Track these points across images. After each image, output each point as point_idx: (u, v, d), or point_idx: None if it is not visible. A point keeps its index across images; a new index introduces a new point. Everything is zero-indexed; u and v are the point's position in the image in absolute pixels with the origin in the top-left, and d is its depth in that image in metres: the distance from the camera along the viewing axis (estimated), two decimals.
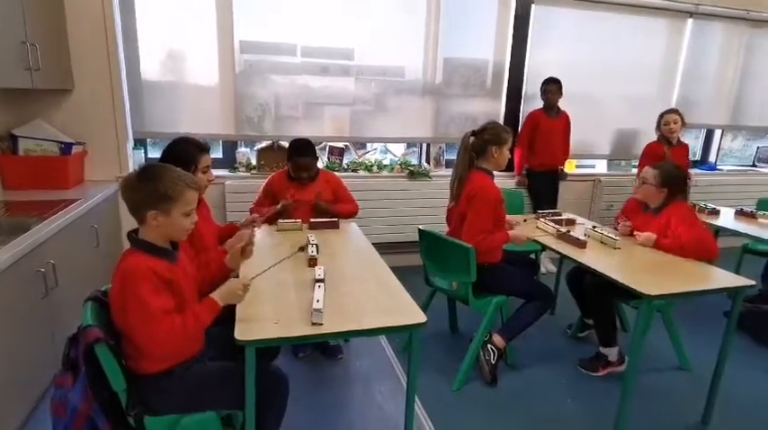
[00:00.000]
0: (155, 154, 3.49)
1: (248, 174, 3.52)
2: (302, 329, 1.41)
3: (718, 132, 4.90)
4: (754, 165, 5.13)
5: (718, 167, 4.90)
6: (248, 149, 3.69)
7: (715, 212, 3.21)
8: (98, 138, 3.02)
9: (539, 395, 2.32)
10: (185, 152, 1.90)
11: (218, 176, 3.32)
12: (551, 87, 3.69)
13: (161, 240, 1.39)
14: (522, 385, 2.39)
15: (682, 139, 3.65)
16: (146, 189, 1.34)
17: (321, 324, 1.42)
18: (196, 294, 1.50)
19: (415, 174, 3.77)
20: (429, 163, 4.00)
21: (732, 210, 3.27)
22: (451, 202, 2.48)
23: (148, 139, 3.50)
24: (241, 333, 1.35)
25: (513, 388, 2.36)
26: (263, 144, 3.56)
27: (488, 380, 2.35)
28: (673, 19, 4.18)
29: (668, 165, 2.45)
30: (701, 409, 2.15)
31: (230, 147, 3.66)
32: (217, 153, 3.67)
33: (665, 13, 4.13)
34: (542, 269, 3.72)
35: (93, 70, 2.93)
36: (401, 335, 2.55)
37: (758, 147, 5.18)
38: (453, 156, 2.53)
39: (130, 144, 3.18)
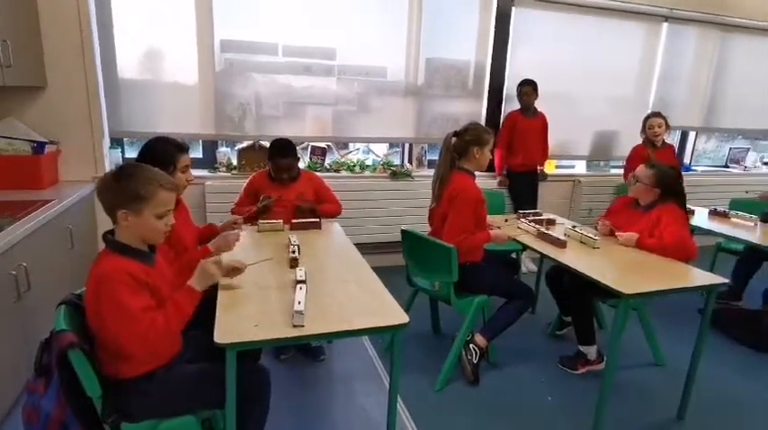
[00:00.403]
0: (132, 153, 3.42)
1: (229, 174, 3.47)
2: (283, 331, 1.39)
3: (692, 134, 5.03)
4: (726, 166, 5.28)
5: (692, 168, 5.03)
6: (229, 149, 3.64)
7: (690, 212, 3.29)
8: (73, 137, 2.95)
9: (520, 393, 2.35)
10: (163, 152, 1.86)
11: (197, 177, 3.27)
12: (526, 89, 3.74)
13: (136, 241, 1.36)
14: (504, 384, 2.42)
15: (667, 141, 3.74)
16: (118, 188, 1.31)
17: (302, 326, 1.41)
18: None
19: (397, 174, 3.78)
20: (411, 163, 4.01)
21: (706, 210, 3.35)
22: (433, 203, 2.49)
23: (126, 139, 3.43)
24: (221, 336, 1.33)
25: (494, 387, 2.38)
26: (244, 144, 3.52)
27: (471, 380, 2.36)
28: (649, 23, 4.27)
29: (663, 167, 2.49)
30: (676, 405, 2.20)
31: (210, 146, 3.61)
32: (197, 153, 3.62)
33: (642, 17, 4.21)
34: (523, 268, 3.76)
35: (68, 67, 2.85)
36: (384, 336, 2.55)
37: (730, 149, 5.34)
38: (435, 157, 2.55)
39: (107, 143, 3.11)
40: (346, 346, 2.65)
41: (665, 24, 4.30)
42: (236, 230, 2.06)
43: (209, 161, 3.58)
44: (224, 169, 3.51)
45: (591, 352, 2.49)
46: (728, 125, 4.95)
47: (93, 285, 1.28)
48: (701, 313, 2.10)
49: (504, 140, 3.84)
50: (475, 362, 2.36)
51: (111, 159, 3.14)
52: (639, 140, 3.78)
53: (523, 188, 3.92)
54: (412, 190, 3.76)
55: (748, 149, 5.21)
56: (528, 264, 3.95)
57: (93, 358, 1.29)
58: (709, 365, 2.32)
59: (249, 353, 1.58)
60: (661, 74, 4.44)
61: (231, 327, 1.39)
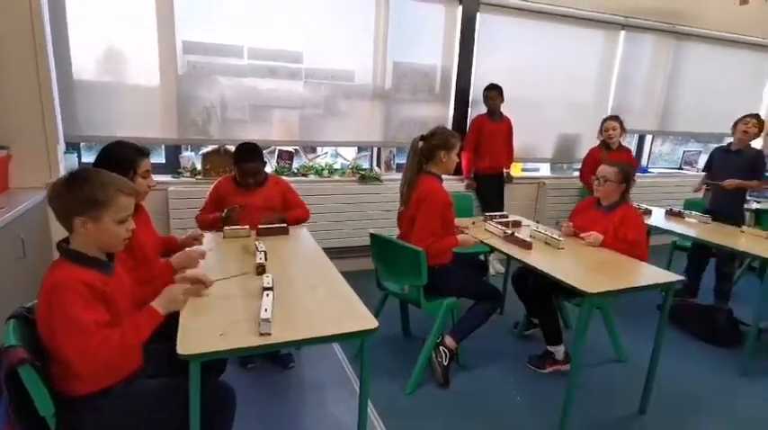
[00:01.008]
0: (90, 158, 3.28)
1: (193, 179, 3.38)
2: (249, 340, 1.36)
3: (649, 137, 5.24)
4: (681, 168, 5.53)
5: (649, 170, 5.24)
6: (193, 154, 3.55)
7: (648, 212, 3.42)
8: (25, 141, 2.81)
9: (489, 394, 2.38)
10: (123, 156, 1.79)
11: (160, 182, 3.18)
12: (492, 93, 3.81)
13: (94, 250, 1.30)
14: (474, 385, 2.44)
15: (624, 144, 3.89)
16: (73, 194, 1.25)
17: (269, 334, 1.38)
18: (133, 310, 1.41)
19: (366, 178, 3.77)
20: (380, 167, 4.02)
21: (663, 210, 3.49)
22: (402, 206, 2.50)
23: (83, 143, 3.29)
24: (184, 347, 1.29)
25: (464, 388, 2.40)
26: (209, 148, 3.44)
27: (441, 382, 2.37)
28: (607, 30, 4.43)
29: (623, 163, 2.61)
30: (638, 399, 2.28)
31: (173, 151, 3.50)
32: (159, 157, 3.51)
33: (600, 25, 4.37)
34: (491, 270, 3.82)
35: (18, 67, 2.72)
36: (354, 341, 2.53)
37: (684, 151, 5.59)
38: (404, 160, 2.55)
39: (61, 148, 2.98)
40: (316, 353, 2.61)
41: (623, 32, 4.48)
42: (201, 247, 1.99)
43: (173, 166, 3.48)
44: (188, 174, 3.41)
45: (558, 351, 2.54)
46: (682, 129, 5.19)
47: (45, 295, 1.22)
48: (660, 310, 2.18)
49: (471, 144, 3.89)
50: (445, 364, 2.37)
51: (66, 164, 3.01)
52: (596, 144, 3.93)
53: (490, 190, 3.99)
54: (381, 193, 3.76)
55: (700, 152, 5.47)
56: (496, 266, 4.02)
57: (46, 374, 1.22)
58: (668, 360, 2.41)
59: (214, 365, 1.54)
60: (619, 79, 4.61)
61: (195, 338, 1.34)
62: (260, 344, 1.36)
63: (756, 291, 3.16)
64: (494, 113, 3.89)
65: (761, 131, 3.26)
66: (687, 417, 2.27)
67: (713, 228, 3.10)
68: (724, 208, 3.35)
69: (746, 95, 5.28)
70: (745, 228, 3.08)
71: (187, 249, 1.87)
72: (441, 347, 2.39)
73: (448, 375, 2.39)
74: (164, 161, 3.50)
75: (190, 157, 3.49)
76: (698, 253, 3.55)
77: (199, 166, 3.46)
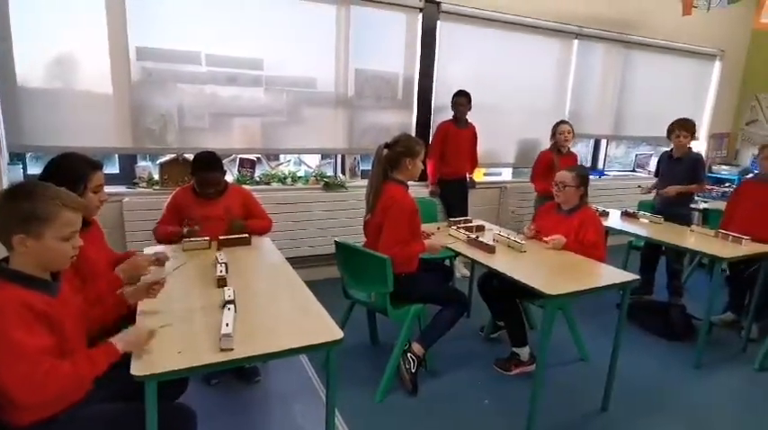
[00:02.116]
0: (37, 169, 3.11)
1: (150, 189, 3.26)
2: (210, 357, 1.31)
3: (603, 141, 5.45)
4: (634, 170, 5.77)
5: (605, 173, 5.44)
6: (150, 163, 3.42)
7: (605, 214, 3.54)
8: None
9: (458, 398, 2.38)
10: (72, 169, 1.69)
11: (114, 193, 3.07)
12: (462, 100, 3.86)
13: (36, 269, 1.22)
14: (442, 390, 2.44)
15: (572, 149, 4.01)
16: (11, 210, 1.17)
17: (231, 349, 1.34)
18: (83, 333, 1.33)
19: (330, 185, 3.74)
20: (345, 174, 3.99)
21: (618, 212, 3.63)
22: (368, 214, 2.49)
23: (29, 154, 3.11)
24: (138, 367, 1.22)
25: (433, 394, 2.40)
26: (167, 157, 3.33)
27: (409, 389, 2.36)
28: (562, 39, 4.58)
29: (579, 167, 2.71)
30: (600, 397, 2.34)
31: (129, 160, 3.37)
32: (113, 167, 3.37)
33: (555, 34, 4.52)
34: (457, 274, 3.86)
35: None
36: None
37: (636, 155, 5.84)
38: (369, 167, 2.54)
39: (5, 159, 2.80)
40: (282, 365, 2.55)
41: (576, 41, 4.64)
42: (147, 254, 1.91)
43: (128, 176, 3.34)
44: (144, 184, 3.29)
45: (524, 353, 2.58)
46: (634, 133, 5.42)
47: None
48: (618, 308, 2.25)
49: (436, 150, 3.92)
50: (413, 371, 2.37)
51: (9, 176, 2.83)
52: (545, 147, 4.04)
53: (454, 196, 4.02)
54: (346, 201, 3.74)
55: (651, 155, 5.73)
56: (462, 270, 4.06)
57: None
58: (627, 357, 2.49)
59: (174, 384, 1.48)
60: (574, 86, 4.77)
61: (151, 357, 1.28)
62: (221, 361, 1.31)
63: (706, 287, 3.32)
64: (460, 120, 3.93)
65: (693, 135, 3.45)
66: (646, 411, 2.35)
67: (665, 228, 3.23)
68: (673, 209, 3.51)
69: (691, 100, 5.59)
70: (694, 227, 3.23)
71: (131, 257, 1.77)
72: (408, 354, 2.38)
73: (416, 382, 2.38)
74: (118, 171, 3.35)
75: (146, 167, 3.37)
76: (650, 251, 3.70)
77: (156, 176, 3.34)
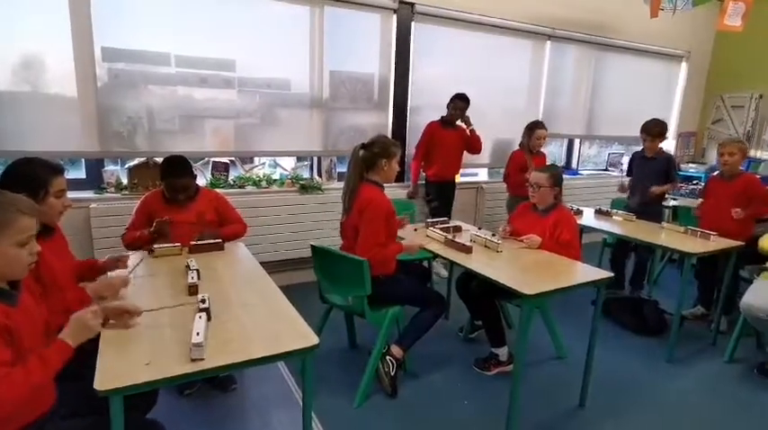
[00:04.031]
0: None
1: (119, 194, 3.15)
2: (179, 368, 1.26)
3: (577, 141, 5.55)
4: (606, 169, 5.89)
5: (579, 172, 5.54)
6: (118, 167, 3.32)
7: (579, 212, 3.59)
8: None
9: (437, 400, 2.37)
10: (31, 175, 1.61)
11: (81, 199, 2.96)
12: (462, 104, 3.82)
13: None
14: (422, 392, 2.43)
15: (542, 149, 4.07)
16: None
17: (202, 359, 1.29)
18: (45, 344, 1.27)
19: (306, 187, 3.70)
20: (321, 176, 3.95)
21: (592, 210, 3.69)
22: (344, 216, 2.46)
23: None
24: (102, 382, 1.17)
25: (412, 396, 2.38)
26: (136, 161, 3.23)
27: (389, 392, 2.34)
28: (535, 40, 4.64)
29: (551, 167, 2.72)
30: (578, 393, 2.36)
31: (95, 165, 3.25)
32: (79, 172, 3.25)
33: (529, 35, 4.57)
34: (435, 277, 3.85)
35: None
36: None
37: (609, 154, 5.96)
38: (345, 169, 2.51)
39: None
40: (260, 371, 2.49)
41: (549, 42, 4.71)
42: (123, 272, 1.83)
43: (95, 181, 3.23)
44: (113, 189, 3.18)
45: (502, 352, 2.59)
46: (606, 133, 5.53)
47: None
48: (593, 304, 2.28)
49: (421, 150, 3.90)
50: (392, 373, 2.35)
51: None
52: (517, 147, 4.05)
53: (441, 197, 3.98)
54: (322, 203, 3.70)
55: (623, 154, 5.85)
56: (440, 270, 4.06)
57: None
58: (603, 353, 2.53)
59: (143, 396, 1.42)
60: (548, 87, 4.84)
61: (116, 369, 1.23)
62: (191, 372, 1.26)
63: (677, 283, 3.40)
64: (448, 122, 3.89)
65: (658, 137, 3.54)
66: (621, 406, 2.38)
67: (637, 226, 3.30)
68: (646, 207, 3.59)
69: (660, 101, 5.74)
70: (665, 224, 3.31)
71: (109, 274, 1.70)
72: (387, 357, 2.36)
73: (396, 385, 2.36)
74: (84, 176, 3.24)
75: (114, 171, 3.26)
76: (621, 247, 3.77)
77: (125, 181, 3.24)
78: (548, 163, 3.85)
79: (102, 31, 2.92)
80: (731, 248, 2.84)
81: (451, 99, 3.85)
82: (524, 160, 3.84)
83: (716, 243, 2.85)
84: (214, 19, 3.22)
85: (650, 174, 3.58)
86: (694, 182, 5.43)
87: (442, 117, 3.91)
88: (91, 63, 2.93)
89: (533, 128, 3.89)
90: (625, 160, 5.84)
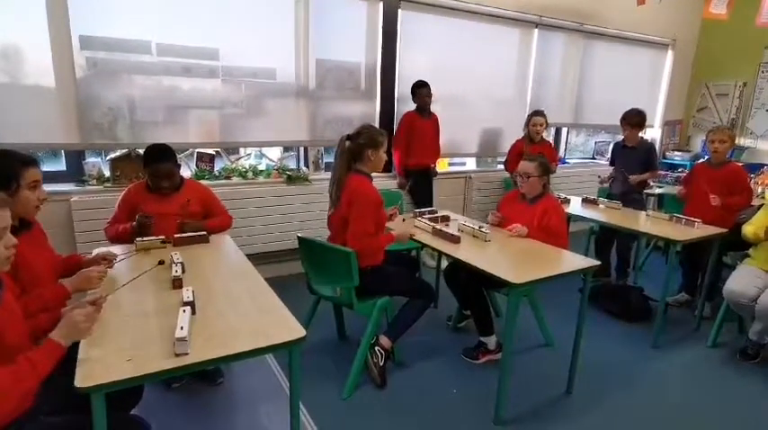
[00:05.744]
0: None
1: (101, 187, 3.09)
2: (162, 363, 1.24)
3: (564, 130, 5.56)
4: (594, 158, 5.93)
5: (567, 161, 5.56)
6: (99, 159, 3.24)
7: (566, 201, 3.61)
8: None
9: (426, 389, 2.38)
10: (1, 167, 1.57)
11: (61, 192, 2.90)
12: (424, 90, 3.82)
13: None
14: (411, 382, 2.43)
15: (546, 138, 4.10)
16: None
17: (186, 353, 1.27)
18: (27, 341, 1.24)
19: (293, 178, 3.65)
20: (308, 167, 3.91)
21: (579, 199, 3.70)
22: (331, 208, 2.43)
23: None
24: (82, 378, 1.14)
25: (401, 386, 2.39)
26: (118, 152, 3.16)
27: (378, 383, 2.35)
28: (522, 29, 4.62)
29: (539, 157, 2.72)
30: (565, 381, 2.39)
31: (76, 157, 3.18)
32: (59, 165, 3.18)
33: (516, 23, 4.55)
34: (422, 265, 3.85)
35: None
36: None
37: (596, 142, 6.00)
38: (332, 159, 2.48)
39: None
40: (247, 363, 2.47)
41: (536, 30, 4.69)
42: (101, 266, 1.79)
43: (76, 173, 3.16)
44: (94, 182, 3.11)
45: (490, 341, 2.60)
46: (593, 121, 5.55)
47: None
48: (580, 292, 2.29)
49: (401, 140, 3.89)
50: (381, 364, 2.35)
51: None
52: (521, 136, 4.11)
53: (421, 186, 3.98)
54: (309, 194, 3.66)
55: (610, 143, 5.88)
56: (428, 260, 4.06)
57: None
58: (590, 340, 2.55)
59: (127, 392, 1.39)
60: (535, 75, 4.82)
61: (97, 366, 1.20)
62: (175, 367, 1.24)
63: (662, 270, 3.44)
64: (423, 110, 3.90)
65: (637, 126, 3.57)
66: (608, 393, 2.41)
67: (623, 214, 3.32)
68: (630, 195, 3.63)
69: (646, 89, 5.77)
70: (650, 211, 3.34)
71: (84, 274, 1.66)
72: (376, 348, 2.36)
73: (384, 375, 2.37)
74: (65, 168, 3.16)
75: (96, 163, 3.19)
76: (605, 235, 3.80)
77: (107, 173, 3.17)
78: (556, 153, 3.92)
79: (80, 18, 2.83)
80: (715, 235, 2.88)
81: (413, 90, 3.84)
82: (521, 149, 3.90)
83: (700, 230, 2.88)
84: (197, 6, 3.15)
85: (632, 163, 3.62)
86: (680, 170, 5.48)
87: (417, 107, 3.89)
88: (69, 52, 2.85)
89: (531, 116, 4.00)
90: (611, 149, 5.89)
